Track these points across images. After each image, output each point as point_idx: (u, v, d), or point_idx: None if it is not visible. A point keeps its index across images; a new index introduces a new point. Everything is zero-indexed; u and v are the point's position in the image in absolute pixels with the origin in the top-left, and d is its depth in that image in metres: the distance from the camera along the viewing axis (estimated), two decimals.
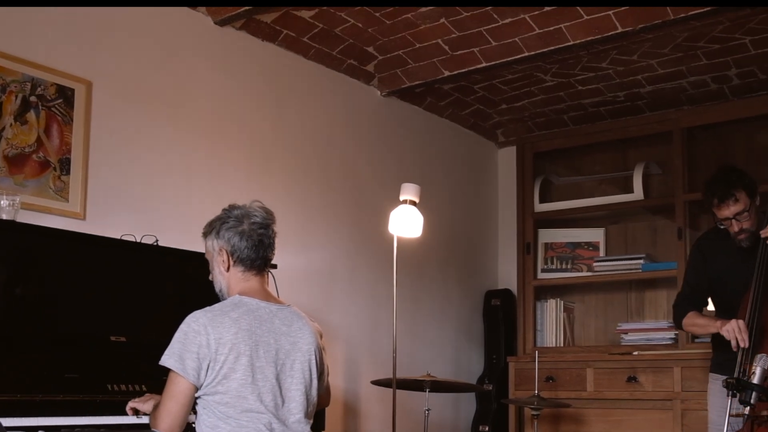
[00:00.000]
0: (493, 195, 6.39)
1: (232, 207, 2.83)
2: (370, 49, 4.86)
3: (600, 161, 6.00)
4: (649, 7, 4.16)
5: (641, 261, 5.45)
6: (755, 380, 3.26)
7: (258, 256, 2.78)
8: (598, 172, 5.97)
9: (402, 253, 4.52)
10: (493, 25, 4.47)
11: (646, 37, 4.54)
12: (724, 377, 3.74)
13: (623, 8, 4.19)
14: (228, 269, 2.79)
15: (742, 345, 3.46)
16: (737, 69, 4.96)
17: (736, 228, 3.70)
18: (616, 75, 5.13)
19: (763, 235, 3.58)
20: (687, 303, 3.93)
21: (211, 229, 2.82)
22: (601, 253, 5.79)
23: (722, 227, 3.76)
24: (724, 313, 3.85)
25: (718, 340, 3.77)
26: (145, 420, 2.86)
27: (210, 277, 2.86)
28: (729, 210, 3.66)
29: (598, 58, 4.89)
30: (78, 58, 3.77)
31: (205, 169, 4.26)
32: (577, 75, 5.15)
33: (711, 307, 4.10)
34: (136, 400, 2.90)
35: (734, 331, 3.48)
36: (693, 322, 3.86)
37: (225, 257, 2.78)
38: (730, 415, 3.31)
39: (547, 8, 4.25)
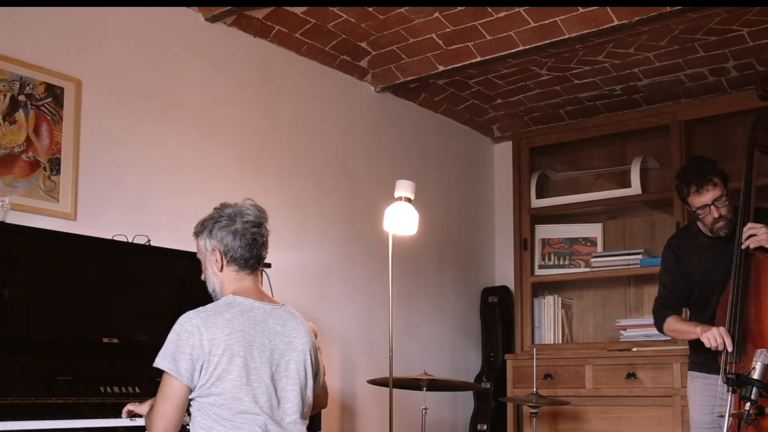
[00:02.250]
0: (489, 191, 6.36)
1: (223, 206, 2.80)
2: (364, 45, 4.82)
3: (597, 156, 5.97)
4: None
5: (639, 256, 5.42)
6: (755, 375, 3.23)
7: (252, 255, 2.75)
8: (595, 166, 5.95)
9: (397, 251, 4.49)
10: (488, 19, 4.44)
11: (643, 30, 4.51)
12: (705, 375, 3.77)
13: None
14: (221, 269, 2.76)
15: (729, 349, 3.45)
16: (735, 61, 4.93)
17: (715, 214, 3.68)
18: (612, 68, 5.10)
19: (744, 236, 3.56)
20: (666, 308, 3.92)
21: (203, 228, 2.78)
22: (599, 248, 5.77)
23: (699, 217, 3.75)
24: (697, 310, 3.87)
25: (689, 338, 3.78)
26: (139, 423, 2.85)
27: (202, 277, 2.83)
28: (708, 196, 3.66)
29: (594, 52, 4.86)
30: (67, 56, 3.73)
31: (198, 167, 4.22)
32: (573, 69, 5.12)
33: None
34: (135, 403, 2.88)
35: (716, 338, 3.48)
36: (673, 328, 3.86)
37: (218, 257, 2.75)
38: (730, 415, 3.28)
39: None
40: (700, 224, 3.82)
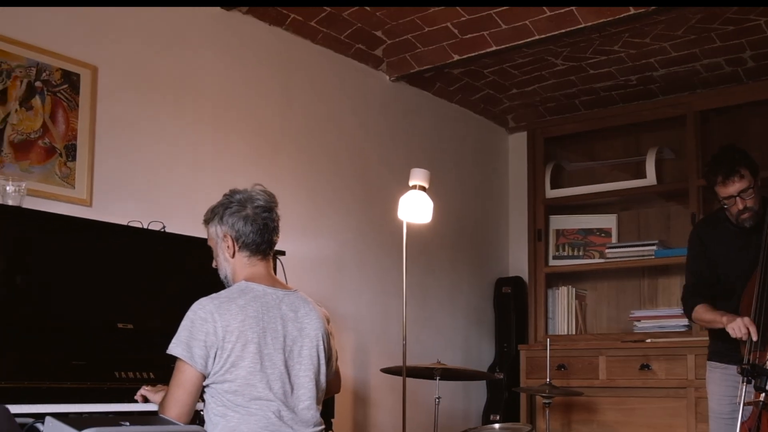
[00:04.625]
0: (504, 181, 6.35)
1: (233, 192, 2.80)
2: (379, 33, 4.81)
3: (612, 146, 5.95)
4: None
5: (654, 247, 5.40)
6: None
7: (263, 240, 2.75)
8: (610, 157, 5.92)
9: (411, 240, 4.48)
10: (503, 8, 4.41)
11: (659, 19, 4.48)
12: (724, 365, 3.74)
13: None
14: (233, 255, 2.76)
15: (753, 338, 3.42)
16: (752, 51, 4.89)
17: (740, 206, 3.66)
18: (628, 58, 5.07)
19: None
20: (695, 295, 3.86)
21: (214, 215, 2.78)
22: (614, 239, 5.75)
23: (725, 206, 3.73)
24: (724, 298, 3.82)
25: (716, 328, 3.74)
26: (153, 407, 2.85)
27: (214, 264, 2.83)
28: (734, 187, 3.63)
29: (610, 41, 4.83)
30: (83, 43, 3.74)
31: (212, 154, 4.23)
32: (588, 58, 5.09)
33: None
34: (148, 388, 2.89)
35: (740, 329, 3.45)
36: (700, 317, 3.81)
37: (230, 243, 2.75)
38: (744, 404, 3.27)
39: None
40: (727, 212, 3.80)
